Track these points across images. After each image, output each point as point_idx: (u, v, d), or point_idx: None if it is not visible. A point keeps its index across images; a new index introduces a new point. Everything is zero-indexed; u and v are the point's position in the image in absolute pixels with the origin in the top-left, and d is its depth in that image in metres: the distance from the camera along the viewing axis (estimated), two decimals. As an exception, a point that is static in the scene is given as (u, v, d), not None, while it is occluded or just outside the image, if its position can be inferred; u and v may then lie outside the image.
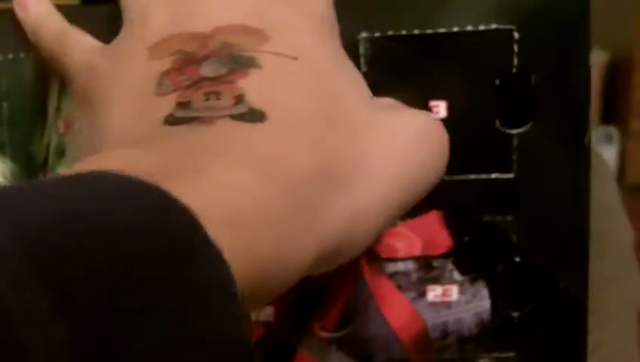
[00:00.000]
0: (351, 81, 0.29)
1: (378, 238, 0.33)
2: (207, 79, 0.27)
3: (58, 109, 0.35)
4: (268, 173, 0.24)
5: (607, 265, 0.49)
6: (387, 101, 0.31)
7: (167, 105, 0.26)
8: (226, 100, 0.26)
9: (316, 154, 0.26)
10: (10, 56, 0.34)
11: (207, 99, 0.26)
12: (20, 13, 0.33)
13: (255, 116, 0.26)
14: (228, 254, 0.21)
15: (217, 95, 0.26)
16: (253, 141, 0.25)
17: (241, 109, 0.26)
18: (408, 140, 0.29)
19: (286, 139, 0.26)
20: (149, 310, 0.19)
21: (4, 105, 0.35)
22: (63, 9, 0.33)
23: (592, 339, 0.35)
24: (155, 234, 0.20)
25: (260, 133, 0.25)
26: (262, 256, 0.23)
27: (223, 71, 0.27)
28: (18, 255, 0.18)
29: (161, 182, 0.21)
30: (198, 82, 0.27)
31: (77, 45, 0.32)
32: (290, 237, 0.24)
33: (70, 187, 0.20)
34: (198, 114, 0.26)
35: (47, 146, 0.35)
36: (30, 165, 0.34)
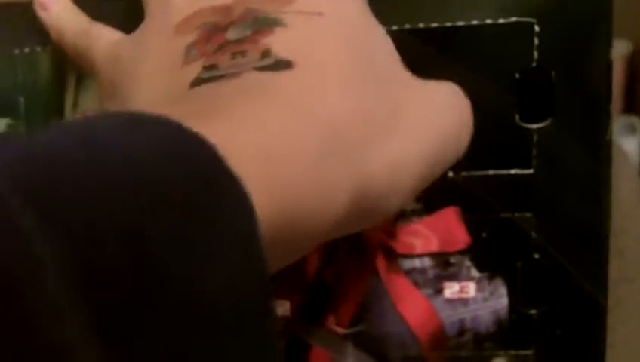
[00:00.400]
0: (382, 37, 0.29)
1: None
2: (233, 42, 0.26)
3: (75, 104, 0.35)
4: (300, 112, 0.24)
5: (626, 263, 0.48)
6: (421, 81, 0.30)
7: (194, 70, 0.26)
8: (252, 56, 0.25)
9: (351, 100, 0.25)
10: (27, 50, 0.34)
11: (233, 59, 0.25)
12: (40, 13, 0.33)
13: (282, 65, 0.25)
14: (256, 189, 0.20)
15: (243, 54, 0.25)
16: (283, 85, 0.25)
17: (267, 61, 0.25)
18: (439, 103, 0.29)
19: (317, 84, 0.25)
20: (172, 236, 0.18)
21: (21, 99, 0.35)
22: (81, 4, 0.33)
23: (610, 338, 0.35)
24: (174, 161, 0.19)
25: (289, 78, 0.25)
26: (295, 192, 0.22)
27: (248, 33, 0.26)
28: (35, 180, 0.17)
29: (186, 122, 0.20)
30: (223, 46, 0.26)
31: (101, 38, 0.32)
32: (325, 176, 0.23)
33: (89, 122, 0.20)
34: (224, 72, 0.25)
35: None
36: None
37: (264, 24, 0.27)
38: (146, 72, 0.28)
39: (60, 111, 0.34)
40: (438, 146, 0.28)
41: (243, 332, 0.20)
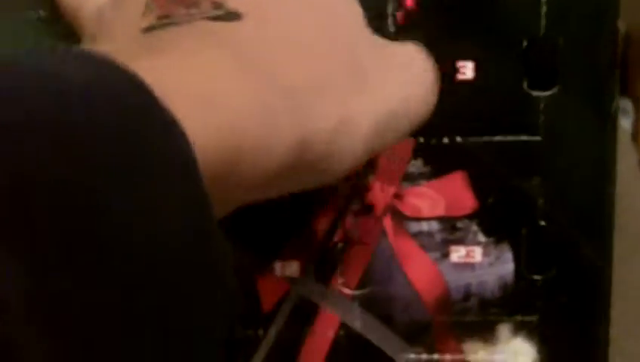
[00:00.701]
0: (347, 3, 0.29)
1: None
2: None
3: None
4: (243, 58, 0.24)
5: (628, 238, 0.49)
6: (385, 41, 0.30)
7: (149, 20, 0.26)
8: (205, 7, 0.26)
9: (304, 58, 0.25)
10: (36, 15, 0.34)
11: (186, 9, 0.26)
12: None
13: (232, 16, 0.25)
14: (193, 127, 0.20)
15: (196, 5, 0.26)
16: (230, 33, 0.25)
17: (217, 12, 0.25)
18: (402, 63, 0.29)
19: (264, 36, 0.25)
20: (105, 177, 0.18)
21: None
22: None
23: (613, 311, 0.35)
24: (107, 99, 0.19)
25: (239, 28, 0.25)
26: (232, 134, 0.22)
27: None
28: None
29: (129, 62, 0.20)
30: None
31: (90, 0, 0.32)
32: (267, 125, 0.23)
33: (46, 55, 0.20)
34: (176, 20, 0.25)
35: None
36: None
37: None
38: (117, 30, 0.29)
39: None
40: (399, 108, 0.28)
41: (189, 266, 0.19)
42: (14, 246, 0.16)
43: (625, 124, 0.43)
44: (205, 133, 0.21)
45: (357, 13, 0.29)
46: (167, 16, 0.26)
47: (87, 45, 0.31)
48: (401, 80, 0.28)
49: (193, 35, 0.24)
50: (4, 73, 0.19)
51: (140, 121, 0.19)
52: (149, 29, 0.26)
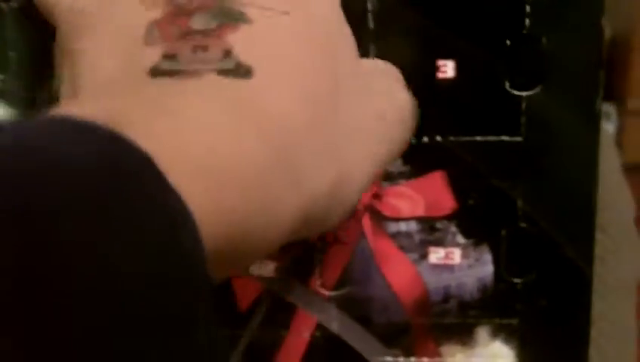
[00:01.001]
0: (348, 40, 0.28)
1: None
2: (196, 32, 0.26)
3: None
4: (253, 123, 0.24)
5: (608, 238, 0.48)
6: (367, 63, 0.30)
7: (153, 55, 0.26)
8: (214, 54, 0.25)
9: (308, 109, 0.25)
10: (15, 4, 0.34)
11: (194, 52, 0.25)
12: None
13: (242, 71, 0.25)
14: (195, 203, 0.20)
15: (205, 48, 0.25)
16: (240, 92, 0.25)
17: (228, 64, 0.25)
18: (391, 105, 0.29)
19: (274, 94, 0.25)
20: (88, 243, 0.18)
21: (12, 55, 0.34)
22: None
23: (592, 312, 0.35)
24: (97, 165, 0.19)
25: (248, 86, 0.25)
26: (237, 210, 0.22)
27: (213, 25, 0.26)
28: None
29: (124, 126, 0.20)
30: (186, 34, 0.26)
31: None
32: (272, 196, 0.23)
33: (32, 129, 0.19)
34: (184, 67, 0.25)
35: (58, 90, 0.34)
36: (35, 112, 0.34)
37: (229, 17, 0.26)
38: (107, 33, 0.28)
39: (49, 67, 0.34)
40: (387, 150, 0.28)
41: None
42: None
43: (607, 128, 0.43)
44: (208, 219, 0.21)
45: (353, 50, 0.28)
46: (173, 57, 0.25)
47: (62, 40, 0.30)
48: (381, 111, 0.28)
49: (202, 97, 0.24)
50: None
51: (138, 190, 0.19)
52: (155, 73, 0.25)
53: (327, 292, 0.34)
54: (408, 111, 0.29)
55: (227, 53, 0.25)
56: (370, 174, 0.27)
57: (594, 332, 0.35)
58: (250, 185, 0.22)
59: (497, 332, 0.34)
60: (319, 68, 0.27)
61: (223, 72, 0.25)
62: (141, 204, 0.19)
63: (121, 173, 0.19)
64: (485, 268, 0.34)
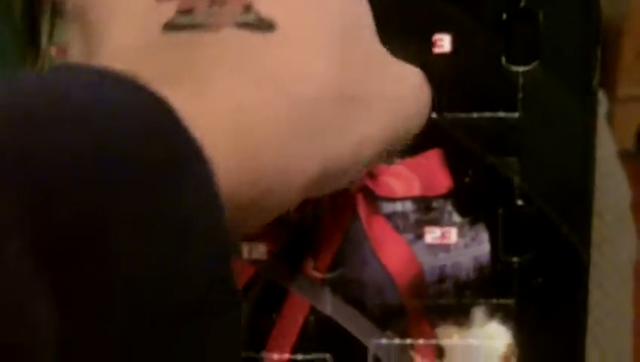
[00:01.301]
0: (367, 9, 0.28)
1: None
2: None
3: (50, 39, 0.33)
4: (279, 87, 0.23)
5: (604, 224, 0.48)
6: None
7: (168, 11, 0.25)
8: (233, 8, 0.24)
9: (333, 70, 0.24)
10: None
11: (210, 6, 0.24)
12: None
13: (264, 25, 0.24)
14: (226, 164, 0.20)
15: (222, 3, 0.24)
16: (264, 52, 0.24)
17: (248, 18, 0.24)
18: (409, 82, 0.28)
19: (299, 50, 0.24)
20: (128, 211, 0.18)
21: None
22: None
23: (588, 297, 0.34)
24: (147, 133, 0.19)
25: (271, 44, 0.24)
26: (263, 170, 0.22)
27: None
28: None
29: (159, 88, 0.20)
30: None
31: None
32: (295, 156, 0.23)
33: (63, 80, 0.19)
34: (201, 21, 0.24)
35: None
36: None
37: None
38: (120, 1, 0.27)
39: (35, 46, 0.33)
40: (403, 122, 0.28)
41: (202, 309, 0.20)
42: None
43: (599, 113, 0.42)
44: (232, 177, 0.21)
45: (372, 26, 0.28)
46: (189, 11, 0.24)
47: (74, 11, 0.29)
48: (407, 98, 0.28)
49: (220, 54, 0.23)
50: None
51: (177, 169, 0.19)
52: (170, 28, 0.24)
53: (320, 275, 0.33)
54: (423, 89, 0.29)
55: (247, 8, 0.24)
56: (387, 142, 0.27)
57: (590, 321, 0.34)
58: (273, 141, 0.22)
59: (494, 312, 0.33)
60: (345, 28, 0.26)
61: (243, 26, 0.24)
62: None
63: (153, 130, 0.19)
64: (482, 246, 0.33)
